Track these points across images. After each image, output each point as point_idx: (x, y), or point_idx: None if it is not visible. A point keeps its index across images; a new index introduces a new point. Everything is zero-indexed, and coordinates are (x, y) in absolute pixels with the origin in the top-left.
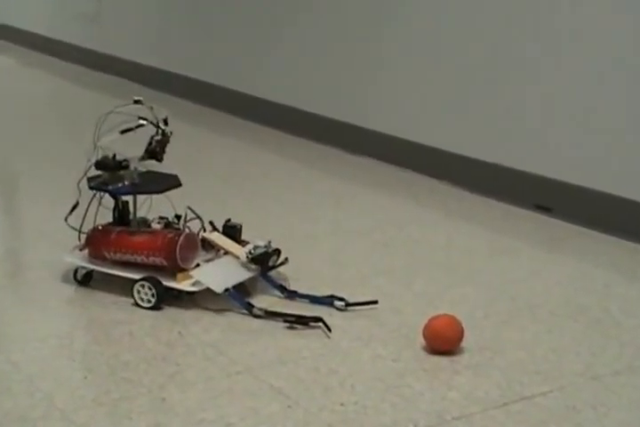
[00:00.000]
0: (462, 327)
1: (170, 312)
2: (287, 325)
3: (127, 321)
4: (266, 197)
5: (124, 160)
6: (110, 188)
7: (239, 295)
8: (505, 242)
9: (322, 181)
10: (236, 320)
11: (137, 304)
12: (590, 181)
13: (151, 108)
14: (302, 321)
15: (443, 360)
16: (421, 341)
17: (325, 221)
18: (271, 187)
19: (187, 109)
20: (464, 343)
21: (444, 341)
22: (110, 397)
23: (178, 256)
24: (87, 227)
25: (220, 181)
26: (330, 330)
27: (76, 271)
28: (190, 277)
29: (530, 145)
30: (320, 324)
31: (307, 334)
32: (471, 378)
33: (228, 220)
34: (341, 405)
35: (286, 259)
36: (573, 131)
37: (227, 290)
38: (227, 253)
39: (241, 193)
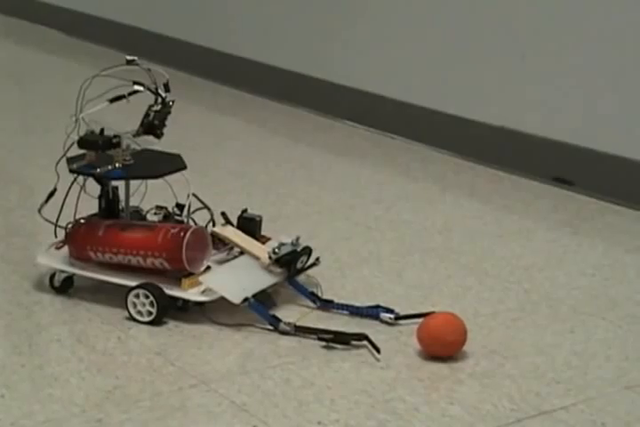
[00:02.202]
0: (465, 328)
1: (105, 312)
2: (323, 344)
3: (54, 324)
4: (220, 169)
5: (115, 136)
6: (98, 171)
7: (262, 307)
8: (517, 222)
9: (289, 150)
10: (188, 321)
11: (132, 318)
12: (620, 147)
13: (148, 70)
14: (342, 339)
15: (442, 368)
16: (415, 344)
17: (295, 198)
18: (227, 158)
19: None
20: (467, 347)
21: (443, 344)
22: (34, 419)
23: (184, 257)
24: (66, 220)
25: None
26: (378, 351)
27: (52, 276)
28: (199, 283)
29: (545, 104)
30: (365, 342)
31: (275, 338)
32: (477, 389)
33: (245, 210)
34: (319, 424)
35: (317, 259)
36: (599, 87)
37: (246, 300)
38: (243, 252)
39: (190, 165)
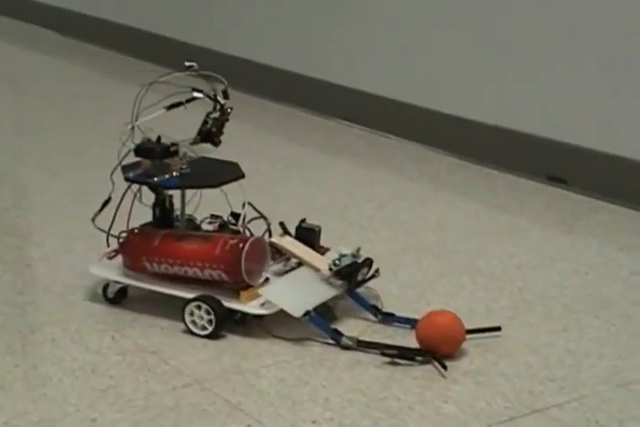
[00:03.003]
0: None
1: (99, 312)
2: (387, 360)
3: (48, 324)
4: None
5: (173, 144)
6: (155, 180)
7: (323, 320)
8: (510, 221)
9: (283, 149)
10: (181, 320)
11: (189, 331)
12: (614, 146)
13: (207, 76)
14: (407, 355)
15: (436, 367)
16: (410, 342)
17: (289, 198)
18: (220, 156)
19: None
20: (461, 345)
21: (457, 342)
22: (28, 419)
23: (243, 269)
24: (117, 229)
25: None
26: (445, 367)
27: (106, 287)
28: (258, 295)
29: (539, 104)
30: (431, 359)
31: (269, 337)
32: (471, 387)
33: (303, 220)
34: (313, 422)
35: (377, 271)
36: (593, 86)
37: (307, 313)
38: (302, 263)
39: None
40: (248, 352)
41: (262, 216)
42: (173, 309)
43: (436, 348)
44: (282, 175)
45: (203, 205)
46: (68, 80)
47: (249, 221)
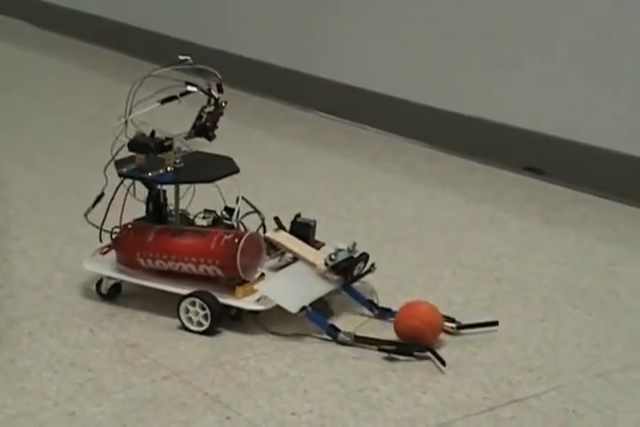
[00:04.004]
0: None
1: (77, 305)
2: (385, 355)
3: (25, 318)
4: None
5: (167, 139)
6: (150, 175)
7: (319, 316)
8: (488, 212)
9: (261, 142)
10: (160, 313)
11: (184, 327)
12: (591, 137)
13: (201, 70)
14: (405, 350)
15: (415, 357)
16: (389, 334)
17: (267, 190)
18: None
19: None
20: (440, 336)
21: (436, 330)
22: (6, 413)
23: (239, 264)
24: (110, 224)
25: None
26: (443, 363)
27: (99, 282)
28: (253, 291)
29: (518, 95)
30: (429, 354)
31: (247, 328)
32: (450, 378)
33: (298, 215)
34: (292, 414)
35: (373, 265)
36: (571, 78)
37: (303, 309)
38: (297, 258)
39: None
40: (227, 345)
41: (256, 211)
42: (152, 301)
43: (419, 336)
44: (261, 167)
45: (194, 199)
46: (48, 74)
47: (243, 216)
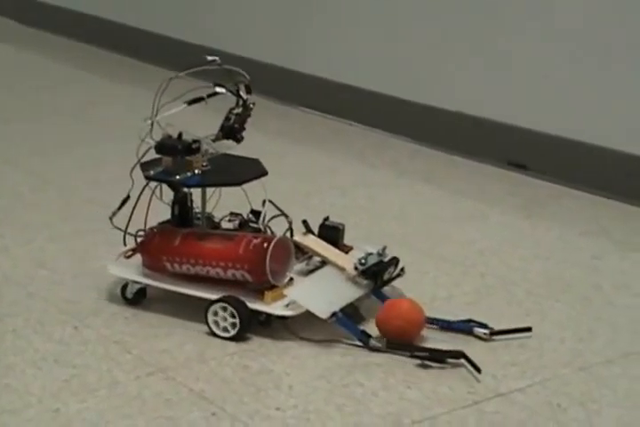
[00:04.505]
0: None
1: (61, 302)
2: (419, 362)
3: (9, 315)
4: None
5: (195, 141)
6: (178, 178)
7: (350, 322)
8: (471, 206)
9: (245, 137)
10: (145, 309)
11: (212, 333)
12: (573, 131)
13: (229, 71)
14: (438, 357)
15: (399, 352)
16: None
17: (250, 186)
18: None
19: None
20: (424, 331)
21: (419, 327)
22: None
23: (267, 269)
24: (134, 227)
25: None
26: (478, 370)
27: (124, 287)
28: (283, 296)
29: (499, 89)
30: (462, 361)
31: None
32: (434, 373)
33: (327, 218)
34: (277, 409)
35: (402, 269)
36: (552, 71)
37: (334, 315)
38: (326, 262)
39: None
40: (211, 341)
41: (284, 214)
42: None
43: (404, 336)
44: None
45: (222, 202)
46: (29, 70)
47: (270, 219)
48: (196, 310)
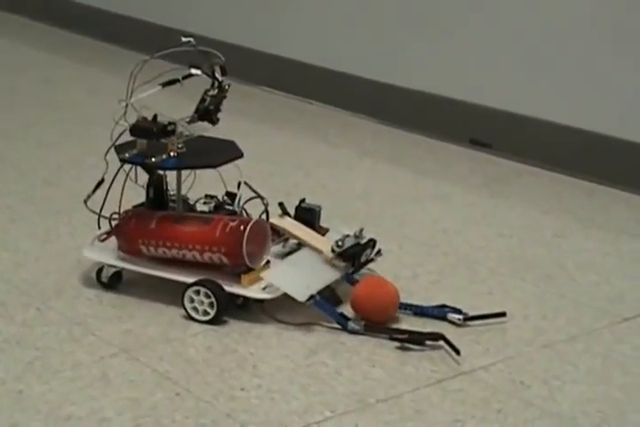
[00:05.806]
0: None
1: (23, 284)
2: (397, 344)
3: None
4: None
5: (170, 123)
6: (154, 161)
7: (328, 305)
8: (435, 186)
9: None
10: (108, 291)
11: (189, 317)
12: (535, 109)
13: (205, 52)
14: (417, 339)
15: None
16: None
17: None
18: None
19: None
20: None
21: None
22: None
23: (244, 252)
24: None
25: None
26: (457, 352)
27: (99, 271)
28: (260, 279)
29: (462, 68)
30: (441, 342)
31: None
32: (398, 352)
33: (303, 200)
34: (242, 390)
35: (379, 251)
36: (514, 49)
37: (311, 297)
38: (302, 244)
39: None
40: (175, 322)
41: (260, 196)
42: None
43: (383, 312)
44: None
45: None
46: (10, 60)
47: (245, 202)
48: (161, 292)
